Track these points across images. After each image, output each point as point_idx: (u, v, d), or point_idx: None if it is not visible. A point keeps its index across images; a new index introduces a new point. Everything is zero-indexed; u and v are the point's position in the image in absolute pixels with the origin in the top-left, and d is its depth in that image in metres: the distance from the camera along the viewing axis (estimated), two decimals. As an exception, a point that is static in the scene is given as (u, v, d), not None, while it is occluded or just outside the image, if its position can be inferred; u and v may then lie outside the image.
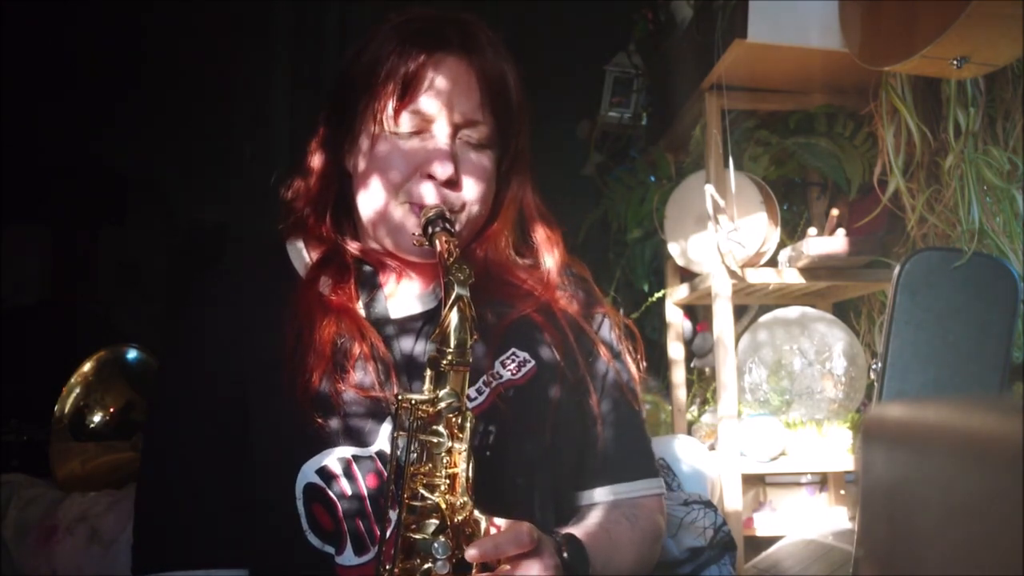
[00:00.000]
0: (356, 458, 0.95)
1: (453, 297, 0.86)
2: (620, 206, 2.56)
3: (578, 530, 0.97)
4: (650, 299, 2.46)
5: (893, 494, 0.39)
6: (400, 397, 0.87)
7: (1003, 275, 1.31)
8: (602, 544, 0.97)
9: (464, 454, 0.86)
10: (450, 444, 0.86)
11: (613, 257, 2.68)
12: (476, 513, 0.85)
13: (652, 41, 2.56)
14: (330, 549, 0.93)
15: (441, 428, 0.86)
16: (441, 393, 0.86)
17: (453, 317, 0.86)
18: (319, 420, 0.94)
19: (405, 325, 1.03)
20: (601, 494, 1.07)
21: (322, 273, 1.03)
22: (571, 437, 1.05)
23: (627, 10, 2.62)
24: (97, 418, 1.80)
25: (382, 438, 0.96)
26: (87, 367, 1.85)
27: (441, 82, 0.98)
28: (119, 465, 1.80)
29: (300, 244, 1.08)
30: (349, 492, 0.94)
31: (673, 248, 2.18)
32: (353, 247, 1.06)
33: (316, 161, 1.08)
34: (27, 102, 3.31)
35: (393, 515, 0.87)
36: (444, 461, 0.86)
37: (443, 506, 0.85)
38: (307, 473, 0.94)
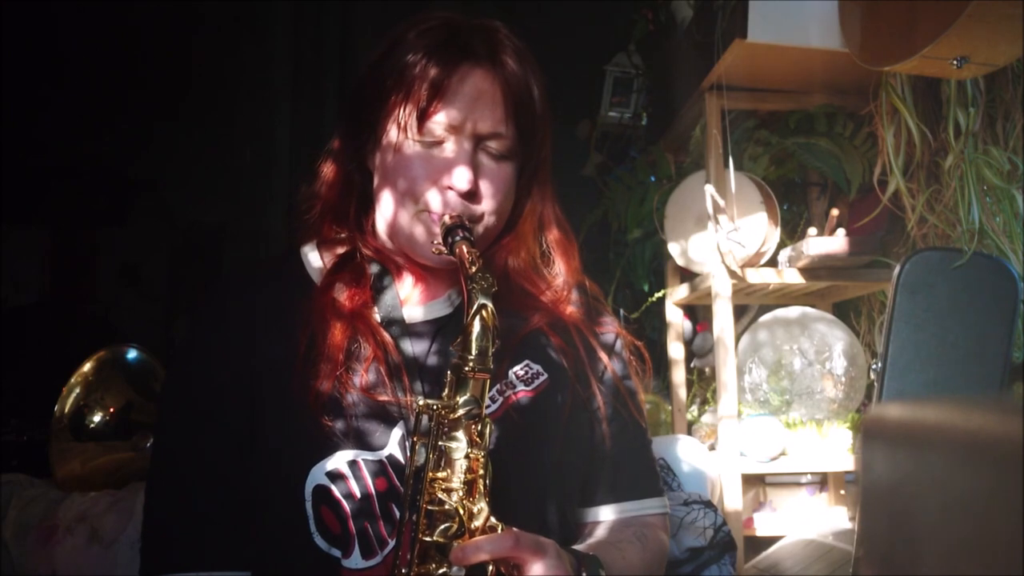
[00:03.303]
0: (366, 461, 0.95)
1: (476, 306, 0.86)
2: (620, 206, 2.56)
3: (592, 549, 0.97)
4: (650, 299, 2.46)
5: (893, 494, 0.39)
6: (420, 402, 0.88)
7: (1003, 275, 1.31)
8: (616, 564, 0.97)
9: (482, 460, 0.87)
10: (468, 450, 0.86)
11: (613, 257, 2.68)
12: (492, 519, 0.85)
13: (652, 41, 2.56)
14: (337, 552, 0.93)
15: (460, 434, 0.87)
16: (461, 400, 0.87)
17: (476, 325, 0.86)
18: (330, 423, 0.95)
19: (419, 330, 1.03)
20: (607, 511, 1.08)
21: (337, 278, 1.03)
22: (579, 451, 1.05)
23: (627, 10, 2.63)
24: (97, 418, 1.80)
25: (393, 442, 0.96)
26: (87, 367, 1.85)
27: (467, 93, 0.98)
28: (119, 465, 1.80)
29: (313, 249, 1.08)
30: (358, 495, 0.94)
31: (673, 248, 2.18)
32: (372, 247, 1.06)
33: (335, 163, 1.08)
34: (27, 103, 3.31)
35: (407, 519, 0.87)
36: (462, 467, 0.86)
37: (460, 511, 0.85)
38: (316, 475, 0.94)
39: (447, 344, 1.01)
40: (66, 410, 1.80)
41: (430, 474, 0.86)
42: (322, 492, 0.94)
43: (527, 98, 1.02)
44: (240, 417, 0.97)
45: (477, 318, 0.86)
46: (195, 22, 3.22)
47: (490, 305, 0.87)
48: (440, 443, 0.87)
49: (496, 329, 0.88)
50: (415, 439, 0.88)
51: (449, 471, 0.86)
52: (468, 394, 0.87)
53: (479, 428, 0.87)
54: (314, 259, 1.07)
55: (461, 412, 0.86)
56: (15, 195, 3.61)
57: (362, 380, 0.96)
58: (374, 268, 1.05)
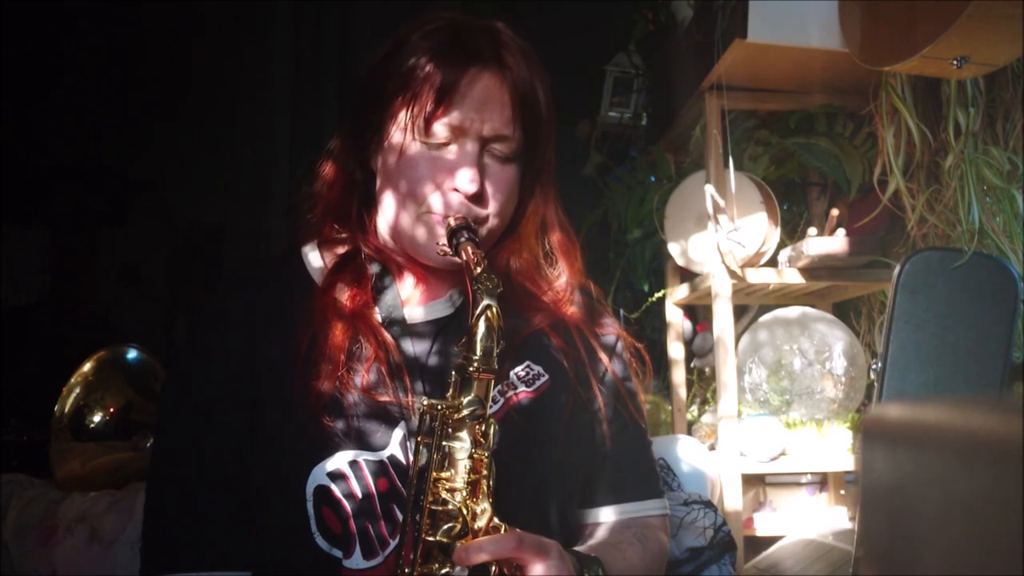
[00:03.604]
0: (367, 462, 0.95)
1: (482, 306, 0.87)
2: (620, 206, 2.56)
3: (593, 550, 0.98)
4: (650, 299, 2.46)
5: (893, 494, 0.39)
6: (425, 402, 0.88)
7: (1003, 275, 1.31)
8: (617, 564, 0.97)
9: (486, 461, 0.87)
10: (472, 450, 0.87)
11: (613, 257, 2.68)
12: (496, 520, 0.85)
13: (652, 41, 2.56)
14: (338, 553, 0.94)
15: (464, 434, 0.87)
16: (465, 400, 0.87)
17: (481, 325, 0.87)
18: (331, 424, 0.95)
19: (420, 331, 1.03)
20: (607, 512, 1.08)
21: (339, 279, 1.03)
22: (580, 453, 1.06)
23: (627, 10, 2.63)
24: (97, 418, 1.80)
25: (394, 443, 0.96)
26: (87, 367, 1.85)
27: (475, 96, 0.98)
28: (119, 465, 1.80)
29: (314, 249, 1.08)
30: (359, 495, 0.94)
31: (673, 248, 2.18)
32: (373, 247, 1.05)
33: (337, 163, 1.08)
34: (27, 103, 3.31)
35: (410, 519, 0.88)
36: (466, 467, 0.86)
37: (464, 511, 0.85)
38: (317, 476, 0.94)
39: (448, 345, 1.01)
40: (66, 410, 1.80)
41: (434, 474, 0.86)
42: (323, 492, 0.94)
43: (533, 100, 1.02)
44: (240, 417, 0.97)
45: (482, 318, 0.87)
46: (195, 22, 3.22)
47: (495, 306, 0.87)
48: (444, 443, 0.87)
49: (501, 330, 0.88)
50: (419, 439, 0.88)
51: (453, 471, 0.86)
52: (472, 394, 0.87)
53: (483, 428, 0.87)
54: (315, 259, 1.07)
55: (465, 412, 0.86)
56: (15, 195, 3.61)
57: (363, 380, 0.96)
58: (375, 268, 1.05)
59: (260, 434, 0.97)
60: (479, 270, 0.88)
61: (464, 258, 0.91)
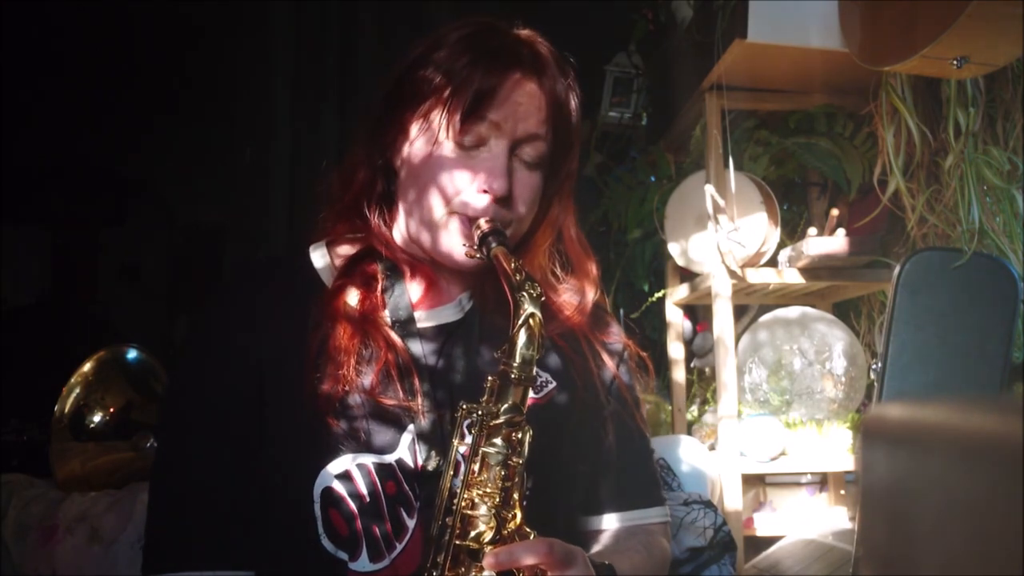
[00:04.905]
0: (375, 465, 0.95)
1: (525, 315, 0.87)
2: (620, 206, 2.56)
3: (602, 557, 0.98)
4: (650, 299, 2.46)
5: (893, 494, 0.39)
6: (464, 406, 0.89)
7: (1003, 275, 1.32)
8: (625, 572, 0.97)
9: (518, 468, 0.87)
10: (507, 457, 0.87)
11: (613, 257, 2.68)
12: (525, 527, 0.86)
13: (652, 41, 2.56)
14: (344, 555, 0.94)
15: (499, 440, 0.87)
16: (503, 406, 0.87)
17: (522, 334, 0.87)
18: (339, 426, 0.95)
19: (429, 335, 1.03)
20: (611, 520, 1.09)
21: (349, 281, 1.03)
22: (585, 460, 1.06)
23: (627, 10, 2.63)
24: (97, 418, 1.80)
25: (403, 446, 0.96)
26: (87, 367, 1.84)
27: (513, 100, 0.98)
28: (119, 465, 1.80)
29: (322, 248, 1.08)
30: (367, 498, 0.94)
31: (673, 248, 2.18)
32: (385, 248, 1.04)
33: (355, 161, 1.07)
34: (27, 103, 3.31)
35: (440, 522, 0.88)
36: (499, 473, 0.87)
37: (496, 517, 0.85)
38: (325, 478, 0.94)
39: (456, 349, 1.02)
40: (66, 410, 1.80)
41: (469, 477, 0.87)
42: (330, 495, 0.94)
43: (567, 110, 1.03)
44: (246, 417, 0.97)
45: (524, 327, 0.87)
46: (195, 22, 3.23)
47: (539, 315, 0.88)
48: (481, 448, 0.87)
49: (543, 338, 0.89)
50: (455, 442, 0.90)
51: (486, 476, 0.87)
52: (510, 401, 0.87)
53: (519, 436, 0.88)
54: (322, 259, 1.07)
55: (503, 419, 0.87)
56: (15, 195, 3.61)
57: (371, 383, 0.96)
58: (385, 270, 1.04)
59: (266, 435, 0.97)
60: (519, 277, 0.89)
61: (500, 264, 0.91)
